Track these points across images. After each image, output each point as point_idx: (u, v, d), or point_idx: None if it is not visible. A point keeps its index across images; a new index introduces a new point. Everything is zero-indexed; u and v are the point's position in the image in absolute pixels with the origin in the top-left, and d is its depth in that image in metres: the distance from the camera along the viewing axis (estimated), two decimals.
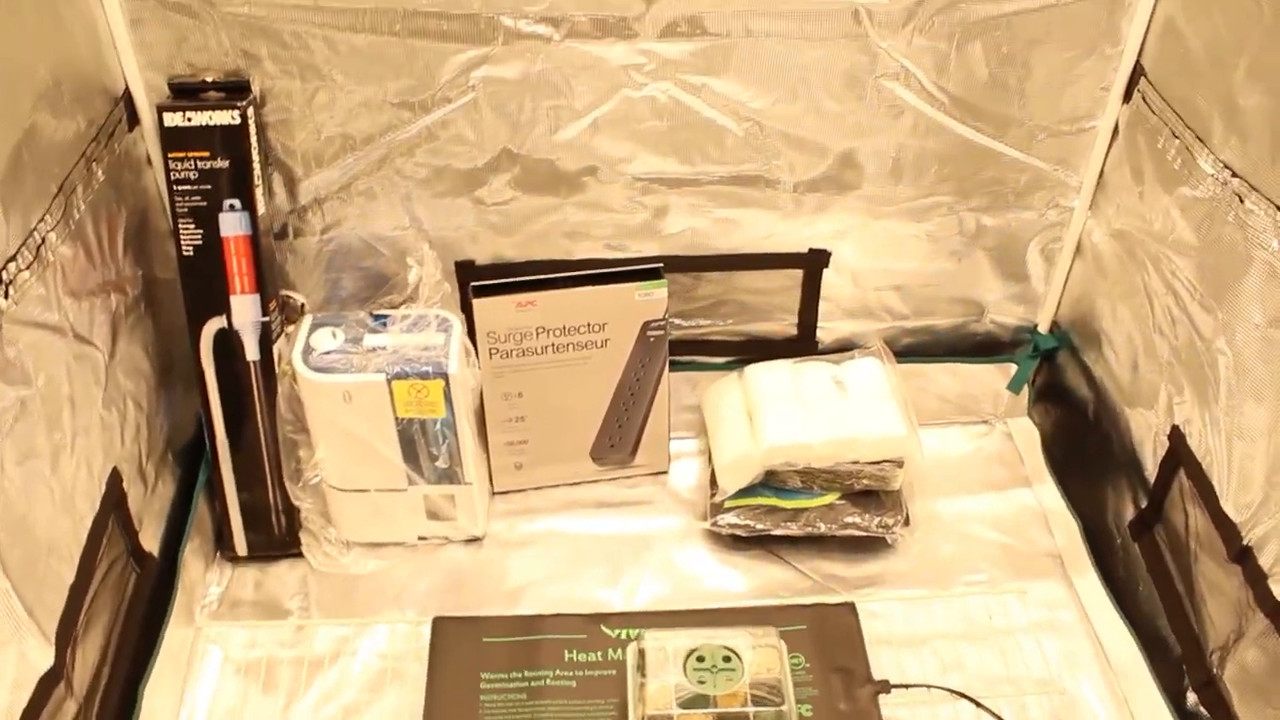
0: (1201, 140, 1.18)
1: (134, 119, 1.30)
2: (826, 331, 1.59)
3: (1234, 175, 1.12)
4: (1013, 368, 1.61)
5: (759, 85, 1.33)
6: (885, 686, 1.22)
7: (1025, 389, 1.61)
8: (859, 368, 1.49)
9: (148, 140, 1.32)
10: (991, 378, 1.62)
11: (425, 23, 1.25)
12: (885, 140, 1.39)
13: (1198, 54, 1.21)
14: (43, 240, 1.06)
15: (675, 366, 1.50)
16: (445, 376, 1.29)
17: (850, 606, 1.31)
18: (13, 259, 1.00)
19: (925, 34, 1.30)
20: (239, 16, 1.24)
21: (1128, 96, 1.35)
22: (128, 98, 1.28)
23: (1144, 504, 1.34)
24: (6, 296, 0.98)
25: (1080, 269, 1.52)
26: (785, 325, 1.58)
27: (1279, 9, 1.04)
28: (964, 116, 1.37)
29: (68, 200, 1.12)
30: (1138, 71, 1.33)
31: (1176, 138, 1.23)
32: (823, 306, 1.56)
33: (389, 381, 1.29)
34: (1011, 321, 1.60)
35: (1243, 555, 1.11)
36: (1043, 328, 1.60)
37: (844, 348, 1.57)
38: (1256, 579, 1.08)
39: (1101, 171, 1.43)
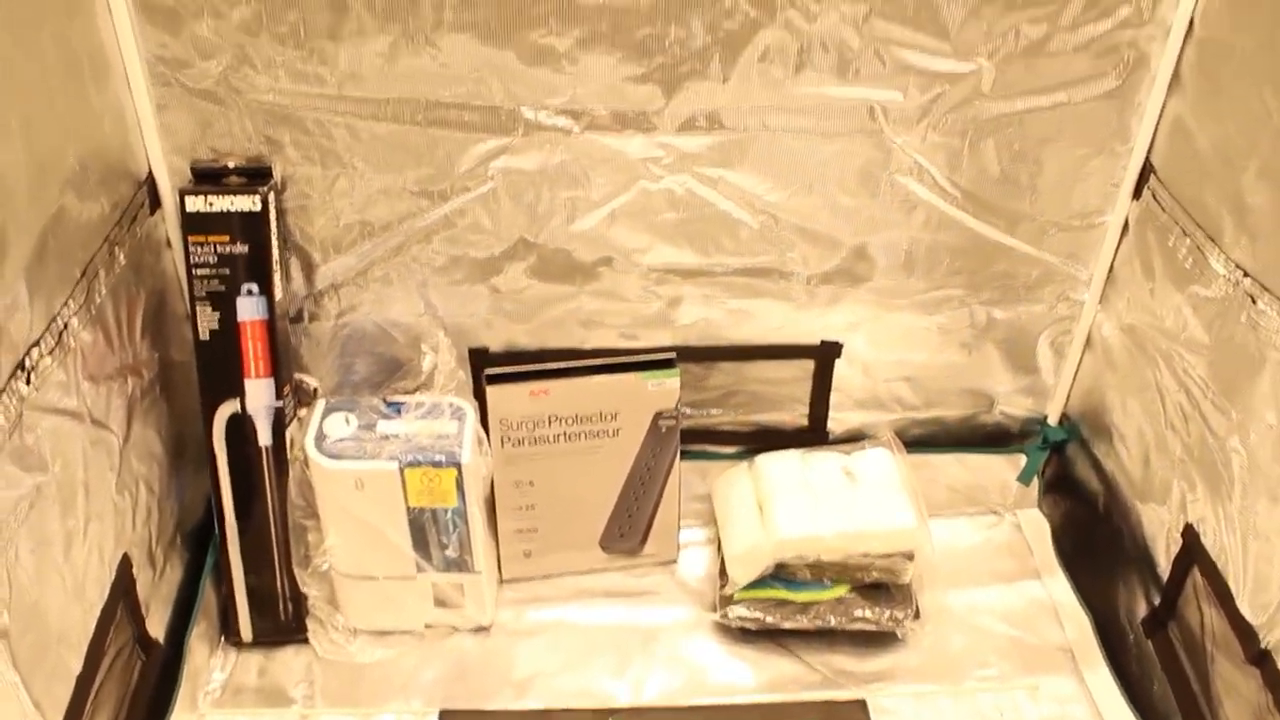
0: (1212, 239, 1.20)
1: (156, 202, 1.31)
2: (837, 422, 1.59)
3: (1245, 275, 1.13)
4: (1022, 459, 1.61)
5: (775, 179, 1.35)
6: None
7: (1035, 480, 1.61)
8: (869, 458, 1.49)
9: (168, 223, 1.33)
10: (1001, 469, 1.62)
11: (447, 113, 1.27)
12: (898, 234, 1.40)
13: (1207, 153, 1.22)
14: (65, 325, 1.07)
15: (686, 455, 1.50)
16: (458, 466, 1.29)
17: (861, 704, 1.30)
18: (35, 344, 1.01)
19: (939, 130, 1.32)
20: (263, 104, 1.26)
21: (1138, 193, 1.37)
22: (151, 181, 1.30)
23: (1157, 600, 1.33)
24: (29, 383, 0.99)
25: (1090, 362, 1.52)
26: (796, 415, 1.58)
27: None
28: (976, 211, 1.39)
29: (90, 284, 1.13)
30: (1147, 169, 1.35)
31: (1187, 236, 1.25)
32: (834, 397, 1.56)
33: (401, 470, 1.28)
34: (1021, 413, 1.61)
35: (1261, 658, 1.10)
36: (1052, 420, 1.60)
37: (855, 438, 1.57)
38: (1276, 683, 1.07)
39: (1112, 267, 1.44)
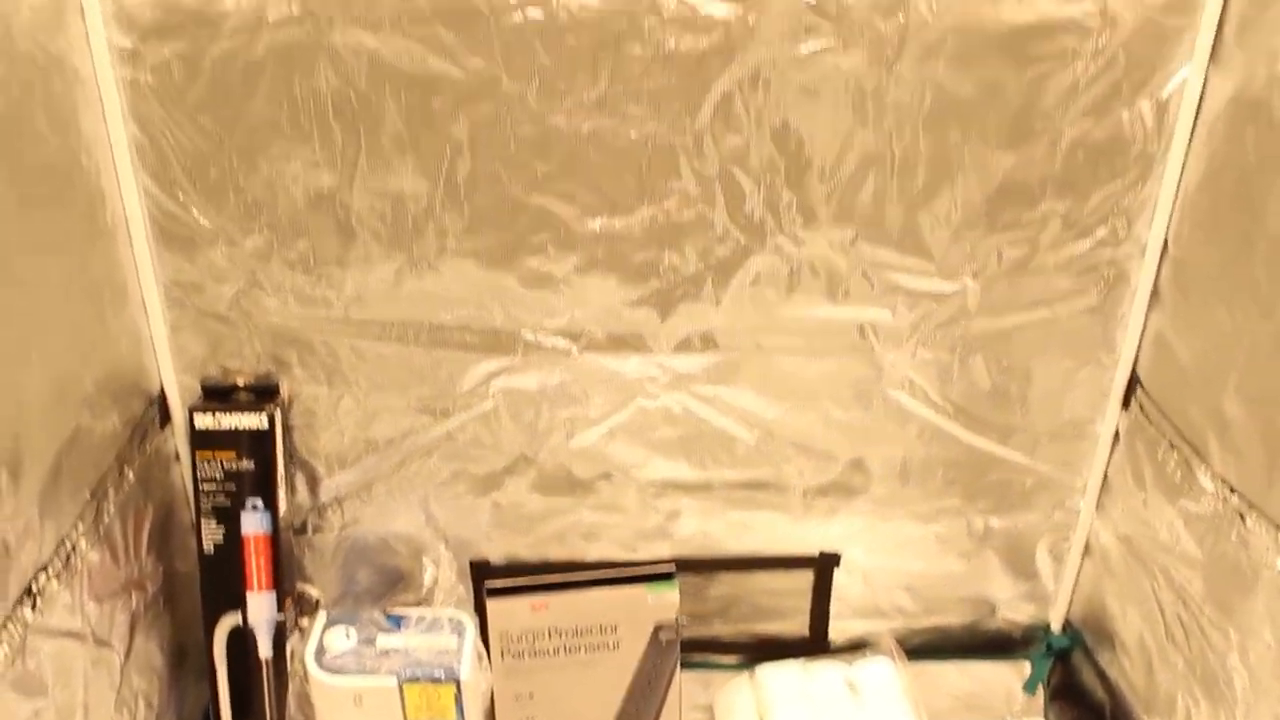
0: (1199, 454, 1.21)
1: (166, 418, 1.34)
2: (838, 631, 1.58)
3: (1232, 492, 1.14)
4: (1026, 665, 1.59)
5: (769, 396, 1.38)
6: None
7: (1040, 689, 1.59)
8: (871, 669, 1.48)
9: (178, 438, 1.36)
10: (1005, 676, 1.60)
11: (449, 334, 1.32)
12: (893, 447, 1.43)
13: (1189, 368, 1.25)
14: (73, 547, 1.08)
15: (687, 665, 1.48)
16: (457, 682, 1.28)
17: None
18: (43, 568, 1.02)
19: (928, 347, 1.35)
20: (272, 325, 1.31)
21: (1126, 404, 1.39)
22: (162, 398, 1.33)
23: None
24: (34, 608, 0.99)
25: (1090, 569, 1.52)
26: (797, 625, 1.58)
27: (1261, 328, 1.09)
28: (969, 424, 1.41)
29: (99, 504, 1.15)
30: (1134, 380, 1.37)
31: (1175, 449, 1.27)
32: (834, 606, 1.56)
33: (400, 685, 1.28)
34: (1023, 619, 1.60)
35: None
36: (1055, 626, 1.59)
37: (856, 646, 1.56)
38: None
39: (1105, 475, 1.45)
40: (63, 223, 1.10)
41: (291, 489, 1.39)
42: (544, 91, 1.17)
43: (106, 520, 1.17)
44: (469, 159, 1.20)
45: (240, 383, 1.33)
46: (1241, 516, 1.13)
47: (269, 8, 1.12)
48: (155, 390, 1.32)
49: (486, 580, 1.40)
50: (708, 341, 1.34)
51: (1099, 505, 1.48)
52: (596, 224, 1.25)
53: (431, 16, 1.13)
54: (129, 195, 1.21)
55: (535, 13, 1.13)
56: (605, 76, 1.17)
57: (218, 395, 1.32)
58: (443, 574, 1.40)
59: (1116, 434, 1.42)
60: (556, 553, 1.48)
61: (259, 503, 1.31)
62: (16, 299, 1.00)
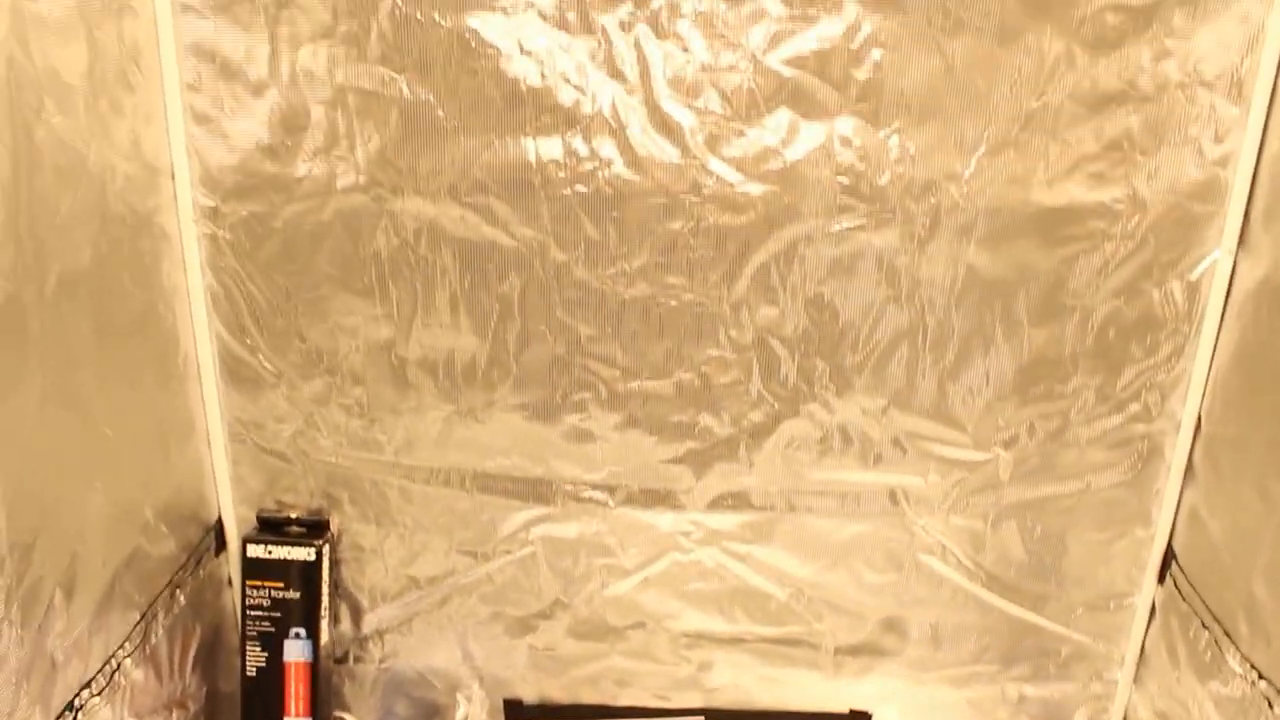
0: (1229, 635, 1.20)
1: (221, 545, 1.40)
2: None
3: (1261, 678, 1.13)
4: None
5: (802, 555, 1.40)
6: None
7: None
8: None
9: (231, 565, 1.41)
10: None
11: (492, 482, 1.37)
12: (925, 610, 1.43)
13: (1220, 546, 1.24)
14: (118, 665, 1.12)
15: None
16: None
17: None
18: (87, 684, 1.06)
19: (961, 514, 1.37)
20: (326, 464, 1.37)
21: (1161, 578, 1.39)
22: (219, 527, 1.39)
23: None
24: None
25: None
26: None
27: None
28: (1002, 591, 1.41)
29: (148, 625, 1.20)
30: (1169, 555, 1.37)
31: (1206, 629, 1.25)
32: None
33: None
34: None
35: None
36: None
37: None
38: None
39: (1143, 648, 1.44)
40: (138, 364, 1.18)
41: (335, 620, 1.44)
42: (589, 260, 1.25)
43: (154, 640, 1.21)
44: (518, 320, 1.28)
45: (293, 515, 1.39)
46: (1269, 702, 1.11)
47: (338, 176, 1.21)
48: (213, 519, 1.38)
49: None
50: (741, 500, 1.38)
51: (1136, 678, 1.46)
52: (635, 385, 1.31)
53: (486, 188, 1.21)
54: (202, 339, 1.30)
55: (582, 188, 1.21)
56: (647, 248, 1.24)
57: (272, 527, 1.38)
58: (475, 711, 1.42)
59: (1153, 607, 1.42)
60: (589, 696, 1.50)
61: (302, 632, 1.36)
62: (86, 430, 1.07)
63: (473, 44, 1.16)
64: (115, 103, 1.10)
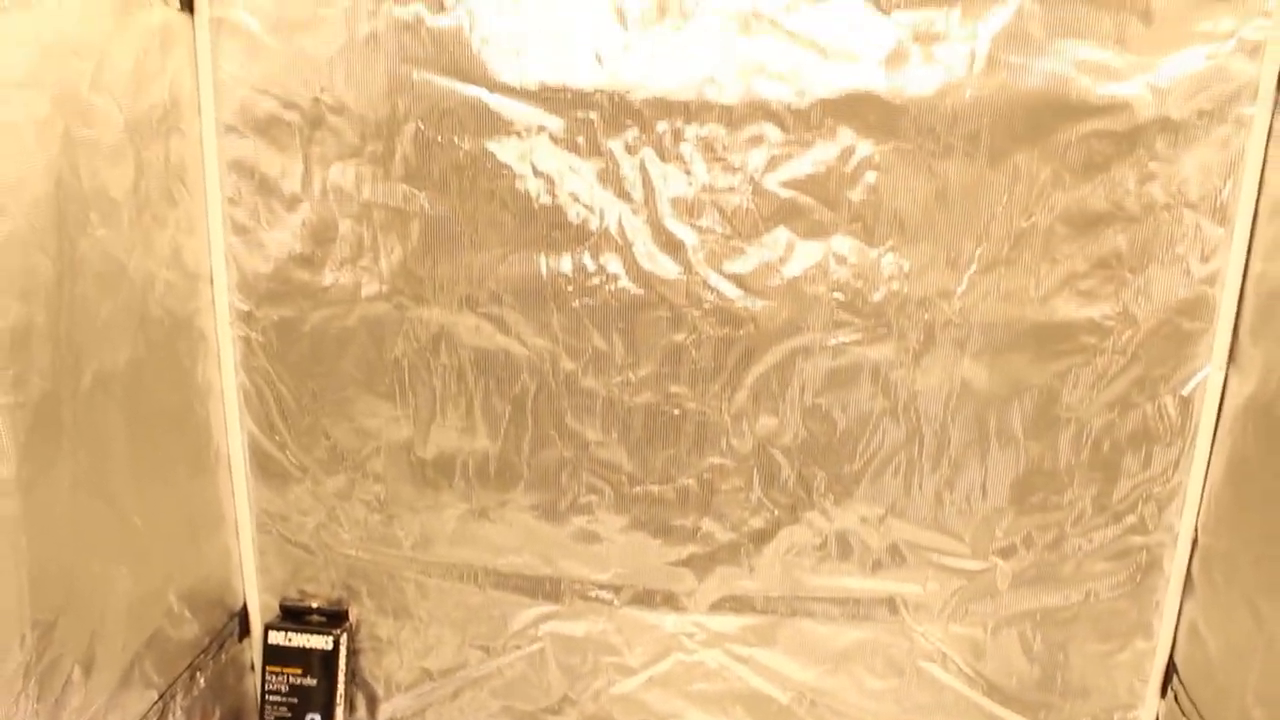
0: None
1: (245, 631, 1.45)
2: None
3: None
4: None
5: (804, 659, 1.42)
6: None
7: None
8: None
9: (254, 650, 1.46)
10: None
11: (504, 579, 1.42)
12: (927, 718, 1.44)
13: (1218, 662, 1.25)
14: None
15: None
16: None
17: None
18: None
19: (961, 622, 1.39)
20: (347, 557, 1.43)
21: (1164, 692, 1.39)
22: (244, 613, 1.45)
23: None
24: None
25: None
26: None
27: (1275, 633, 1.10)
28: (1004, 700, 1.42)
29: (166, 705, 1.24)
30: (1171, 668, 1.37)
31: None
32: None
33: None
34: None
35: None
36: None
37: None
38: None
39: None
40: (171, 457, 1.25)
41: (351, 707, 1.48)
42: (597, 369, 1.31)
43: (172, 719, 1.26)
44: (529, 425, 1.34)
45: (315, 605, 1.44)
46: None
47: (363, 285, 1.30)
48: (239, 605, 1.44)
49: None
50: (743, 604, 1.41)
51: None
52: (640, 490, 1.36)
53: (500, 299, 1.29)
54: (233, 435, 1.37)
55: (590, 301, 1.28)
56: (652, 358, 1.30)
57: (294, 616, 1.44)
58: None
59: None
60: None
61: (318, 718, 1.40)
62: (114, 517, 1.13)
63: (489, 165, 1.25)
64: (158, 215, 1.19)
